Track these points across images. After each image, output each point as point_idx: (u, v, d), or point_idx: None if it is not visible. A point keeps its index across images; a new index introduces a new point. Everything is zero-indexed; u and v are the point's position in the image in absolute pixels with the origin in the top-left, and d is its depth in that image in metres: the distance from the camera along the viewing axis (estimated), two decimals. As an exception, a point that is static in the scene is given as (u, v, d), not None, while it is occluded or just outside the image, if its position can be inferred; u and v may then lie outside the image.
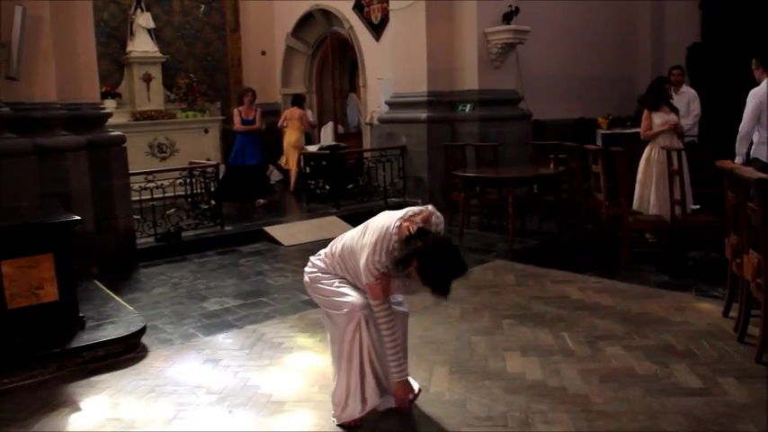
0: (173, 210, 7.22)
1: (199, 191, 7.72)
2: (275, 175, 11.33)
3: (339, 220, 7.83)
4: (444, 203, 8.05)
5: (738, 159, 5.75)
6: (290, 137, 10.08)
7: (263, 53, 12.26)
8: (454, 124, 8.74)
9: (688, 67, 9.60)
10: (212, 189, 7.63)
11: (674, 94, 7.27)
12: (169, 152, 10.94)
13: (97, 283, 5.35)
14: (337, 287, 3.04)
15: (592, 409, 3.11)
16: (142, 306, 5.04)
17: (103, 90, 9.42)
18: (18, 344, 3.85)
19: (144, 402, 3.42)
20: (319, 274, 3.12)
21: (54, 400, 3.49)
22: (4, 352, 3.77)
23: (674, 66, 8.23)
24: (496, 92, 8.64)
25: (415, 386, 3.30)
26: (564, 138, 7.99)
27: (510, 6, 8.34)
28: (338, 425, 3.07)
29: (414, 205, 3.10)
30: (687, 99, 7.75)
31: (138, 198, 6.63)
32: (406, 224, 2.84)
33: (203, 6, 11.94)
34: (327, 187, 8.97)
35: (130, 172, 6.37)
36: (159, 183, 6.86)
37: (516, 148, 8.42)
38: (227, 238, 7.29)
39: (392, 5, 9.07)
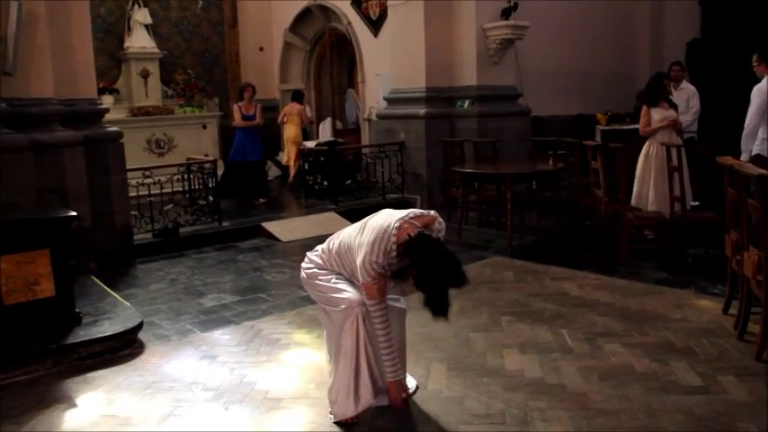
0: (170, 206, 7.21)
1: (196, 187, 7.72)
2: (273, 171, 11.32)
3: (337, 215, 7.80)
4: (443, 199, 8.05)
5: (744, 156, 5.73)
6: (290, 132, 10.07)
7: (261, 49, 12.22)
8: (453, 120, 8.71)
9: (687, 64, 9.57)
10: (210, 185, 7.61)
11: (673, 90, 7.25)
12: (167, 148, 10.92)
13: (94, 278, 5.33)
14: (334, 283, 3.02)
15: (590, 407, 3.10)
16: (139, 302, 5.02)
17: (101, 86, 9.40)
18: (14, 340, 3.84)
19: (140, 399, 3.41)
20: (316, 270, 3.10)
21: (50, 396, 3.48)
22: (0, 348, 3.75)
23: (674, 62, 8.22)
24: (495, 88, 8.61)
25: (413, 383, 3.28)
26: (563, 134, 7.97)
27: (508, 2, 8.30)
28: (335, 422, 3.05)
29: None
30: (686, 95, 7.75)
31: (135, 194, 6.63)
32: (406, 226, 2.79)
33: (201, 2, 11.90)
34: (325, 183, 8.95)
35: (128, 168, 6.37)
36: (157, 178, 6.84)
37: (515, 144, 8.39)
38: (225, 233, 7.27)
39: (390, 1, 9.03)
